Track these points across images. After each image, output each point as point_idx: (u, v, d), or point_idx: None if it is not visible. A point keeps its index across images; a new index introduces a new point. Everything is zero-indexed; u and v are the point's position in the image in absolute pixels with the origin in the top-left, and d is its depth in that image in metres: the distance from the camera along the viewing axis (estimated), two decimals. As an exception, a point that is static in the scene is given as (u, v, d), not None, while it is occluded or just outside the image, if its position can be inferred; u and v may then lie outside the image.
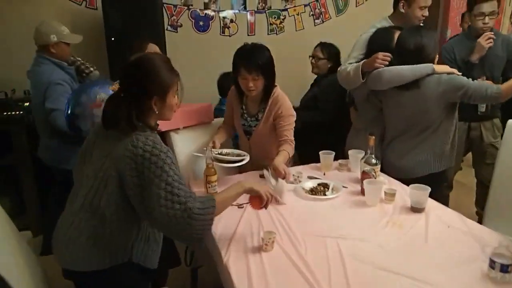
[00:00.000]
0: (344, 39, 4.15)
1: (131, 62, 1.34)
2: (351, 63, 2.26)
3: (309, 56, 3.04)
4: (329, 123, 2.69)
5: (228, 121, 2.33)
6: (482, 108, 2.53)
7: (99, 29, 3.21)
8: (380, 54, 2.09)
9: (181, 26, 3.66)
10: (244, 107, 2.24)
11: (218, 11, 3.75)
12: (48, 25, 2.45)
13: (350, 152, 2.14)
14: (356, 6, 4.20)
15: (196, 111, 2.34)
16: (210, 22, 3.74)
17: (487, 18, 2.40)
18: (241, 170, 2.18)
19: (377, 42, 2.22)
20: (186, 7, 3.63)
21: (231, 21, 3.81)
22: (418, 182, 1.75)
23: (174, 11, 3.60)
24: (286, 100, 2.15)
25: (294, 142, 2.11)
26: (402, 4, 2.28)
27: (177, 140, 2.26)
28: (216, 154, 2.03)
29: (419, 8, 2.23)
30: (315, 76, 3.04)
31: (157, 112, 1.35)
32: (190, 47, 3.69)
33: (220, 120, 2.49)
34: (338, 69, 2.32)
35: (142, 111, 1.33)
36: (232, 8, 3.79)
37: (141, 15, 3.16)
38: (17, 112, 2.92)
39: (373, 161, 1.89)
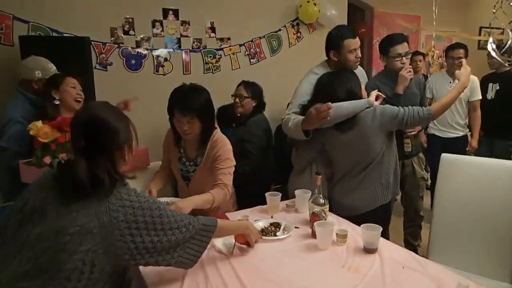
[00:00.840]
0: (280, 77, 4.30)
1: (82, 120, 1.28)
2: (295, 112, 2.22)
3: (232, 96, 2.96)
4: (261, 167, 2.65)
5: (166, 165, 2.17)
6: (408, 148, 2.70)
7: (15, 68, 2.89)
8: (317, 109, 1.96)
9: (111, 64, 3.45)
10: (182, 150, 2.11)
11: (152, 50, 3.62)
12: (35, 60, 2.51)
13: (296, 192, 2.06)
14: (289, 47, 4.33)
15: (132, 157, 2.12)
16: (143, 60, 3.59)
17: (403, 58, 2.59)
18: None
19: (325, 88, 2.17)
20: (116, 45, 3.45)
21: (166, 59, 3.69)
22: (366, 216, 1.71)
23: (103, 49, 3.40)
24: (226, 143, 2.07)
25: (229, 188, 2.00)
26: (332, 53, 2.31)
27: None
28: None
29: (349, 52, 2.27)
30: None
31: (127, 161, 1.35)
32: (121, 86, 3.48)
33: (157, 164, 2.31)
34: (282, 117, 2.27)
35: (114, 163, 1.29)
36: (166, 47, 3.68)
37: (65, 53, 2.92)
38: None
39: (321, 201, 1.83)
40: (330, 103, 1.96)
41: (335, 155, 2.20)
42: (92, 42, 3.21)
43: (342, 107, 2.04)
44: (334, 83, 2.13)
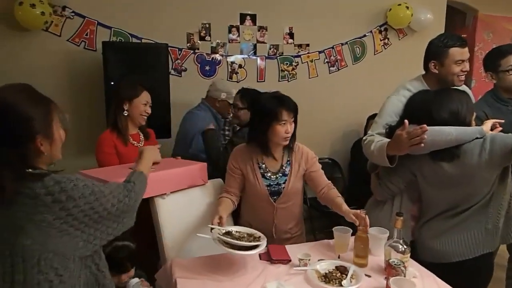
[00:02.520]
0: (362, 88, 3.94)
1: None
2: (379, 133, 1.89)
3: (230, 104, 2.81)
4: None
5: (232, 190, 1.96)
6: None
7: (98, 72, 2.99)
8: (409, 132, 1.61)
9: (185, 70, 3.42)
10: (264, 165, 1.94)
11: (226, 56, 3.52)
12: (224, 84, 2.96)
13: (371, 230, 1.74)
14: (375, 54, 3.93)
15: (187, 173, 1.98)
16: (217, 67, 3.51)
17: None
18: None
19: (421, 107, 1.79)
20: (191, 51, 3.41)
21: (240, 66, 3.57)
22: (463, 265, 1.34)
23: (179, 54, 3.38)
24: (304, 146, 2.03)
25: None
26: (432, 64, 1.92)
27: (163, 206, 1.90)
28: (223, 234, 1.62)
29: (454, 63, 1.87)
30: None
31: (46, 154, 1.11)
32: (194, 92, 3.43)
33: (217, 180, 2.15)
34: (363, 138, 1.95)
35: (28, 158, 1.08)
36: (241, 53, 3.56)
37: (144, 58, 2.96)
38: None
39: (401, 248, 1.50)
40: (426, 125, 1.59)
41: (429, 191, 1.80)
42: (169, 48, 3.19)
43: (443, 132, 1.65)
44: (435, 101, 1.73)
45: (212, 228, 1.64)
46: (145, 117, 2.25)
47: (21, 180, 1.04)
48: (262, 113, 1.86)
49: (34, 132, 1.08)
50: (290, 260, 1.68)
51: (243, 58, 3.57)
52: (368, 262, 1.66)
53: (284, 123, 1.84)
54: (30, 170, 1.07)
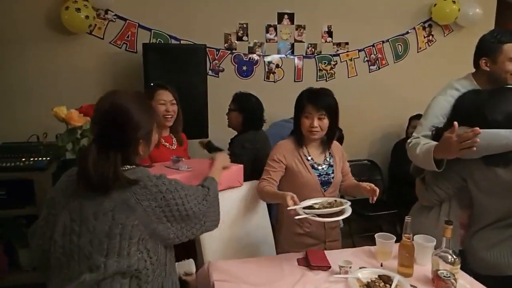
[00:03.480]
0: (404, 87, 3.79)
1: (103, 109, 1.23)
2: (425, 136, 1.78)
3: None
4: None
5: (273, 182, 1.93)
6: None
7: (138, 73, 3.05)
8: (459, 135, 1.50)
9: (223, 70, 3.43)
10: (311, 157, 1.97)
11: (263, 56, 3.49)
12: None
13: (417, 238, 1.65)
14: (418, 52, 3.77)
15: (225, 174, 1.95)
16: (254, 67, 3.49)
17: None
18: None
19: (473, 108, 1.68)
20: (229, 52, 3.41)
21: (277, 66, 3.53)
22: None
23: (217, 55, 3.39)
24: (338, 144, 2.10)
25: None
26: (484, 62, 1.80)
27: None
28: (305, 208, 1.66)
29: (508, 60, 1.74)
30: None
31: (142, 154, 1.30)
32: (231, 92, 3.43)
33: (253, 182, 2.12)
34: (408, 141, 1.85)
35: (128, 157, 1.25)
36: (278, 53, 3.52)
37: (182, 59, 2.99)
38: (44, 158, 2.75)
39: (451, 258, 1.41)
40: (478, 128, 1.48)
41: (481, 198, 1.68)
42: (207, 49, 3.21)
43: (498, 136, 1.53)
44: (489, 102, 1.62)
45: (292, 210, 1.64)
46: (169, 118, 2.12)
47: (120, 175, 1.19)
48: (295, 106, 1.97)
49: (139, 138, 1.24)
50: (330, 267, 1.62)
51: (280, 58, 3.53)
52: (414, 272, 1.58)
53: (308, 116, 1.89)
54: (127, 166, 1.24)
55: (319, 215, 1.63)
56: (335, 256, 1.69)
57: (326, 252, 1.75)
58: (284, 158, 1.95)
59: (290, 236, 1.98)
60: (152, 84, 2.37)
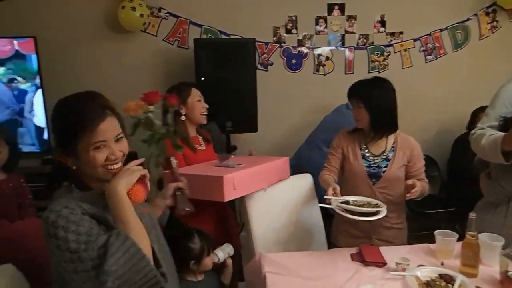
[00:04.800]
0: (465, 78, 3.55)
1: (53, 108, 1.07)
2: (491, 126, 1.65)
3: None
4: None
5: (333, 169, 1.96)
6: None
7: (190, 69, 3.12)
8: None
9: (271, 64, 3.41)
10: (365, 147, 1.94)
11: (313, 48, 3.43)
12: None
13: (482, 236, 1.54)
14: (480, 40, 3.51)
15: (274, 167, 1.95)
16: (303, 60, 3.43)
17: None
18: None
19: None
20: (278, 45, 3.39)
21: (327, 58, 3.45)
22: None
23: (265, 49, 3.38)
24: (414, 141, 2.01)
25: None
26: None
27: (252, 200, 1.90)
28: (341, 203, 1.66)
29: None
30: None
31: (74, 168, 1.04)
32: (280, 87, 3.41)
33: (305, 175, 2.10)
34: (471, 132, 1.73)
35: (61, 168, 1.06)
36: (328, 45, 3.44)
37: (232, 53, 3.02)
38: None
39: (522, 259, 1.29)
40: None
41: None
42: (256, 43, 3.20)
43: None
44: None
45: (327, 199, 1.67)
46: (205, 115, 2.04)
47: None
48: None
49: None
50: (385, 264, 1.56)
51: (330, 50, 3.45)
52: (479, 273, 1.47)
53: (353, 108, 1.95)
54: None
55: (344, 210, 1.63)
56: (391, 253, 1.62)
57: (381, 248, 1.68)
58: (341, 144, 1.98)
59: (338, 224, 1.98)
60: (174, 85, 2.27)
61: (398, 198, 1.90)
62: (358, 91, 1.92)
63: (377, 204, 1.71)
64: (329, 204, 1.65)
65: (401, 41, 3.47)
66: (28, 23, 3.07)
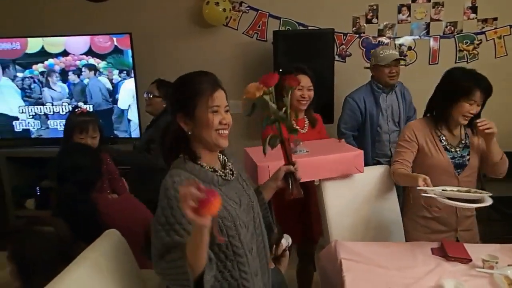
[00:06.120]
0: None
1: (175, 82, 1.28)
2: None
3: (144, 93, 2.71)
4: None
5: (406, 163, 1.87)
6: None
7: (268, 61, 3.21)
8: None
9: (350, 55, 3.36)
10: (444, 138, 1.87)
11: (394, 38, 3.31)
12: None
13: None
14: None
15: (341, 160, 1.90)
16: (384, 50, 3.32)
17: None
18: None
19: None
20: (357, 35, 3.33)
21: (409, 48, 3.31)
22: None
23: (344, 39, 3.34)
24: None
25: None
26: None
27: (329, 188, 1.93)
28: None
29: None
30: None
31: (190, 133, 1.19)
32: (358, 78, 3.34)
33: (383, 166, 2.06)
34: None
35: (181, 137, 1.20)
36: (411, 34, 3.29)
37: (310, 45, 3.04)
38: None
39: None
40: None
41: None
42: (334, 33, 3.18)
43: None
44: None
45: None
46: (303, 102, 2.12)
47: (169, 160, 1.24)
48: (452, 86, 1.78)
49: (177, 110, 1.20)
50: (470, 260, 1.50)
51: (413, 39, 3.30)
52: None
53: (472, 103, 1.74)
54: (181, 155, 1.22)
55: (449, 198, 1.55)
56: (476, 250, 1.55)
57: (466, 245, 1.61)
58: (416, 137, 1.87)
59: (416, 220, 1.91)
60: (291, 68, 2.34)
61: (476, 183, 1.86)
62: (490, 88, 1.77)
63: (475, 191, 1.63)
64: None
65: (495, 28, 3.20)
66: (125, 21, 3.38)
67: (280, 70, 3.01)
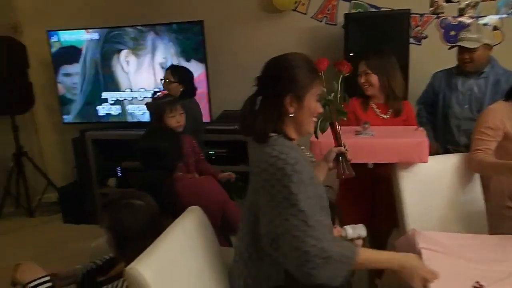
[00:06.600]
0: None
1: (268, 61, 1.28)
2: None
3: (160, 79, 2.85)
4: None
5: (490, 152, 1.77)
6: None
7: (337, 45, 3.14)
8: None
9: (425, 37, 3.18)
10: None
11: (477, 18, 3.06)
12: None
13: None
14: None
15: (399, 147, 1.80)
16: (464, 31, 3.09)
17: None
18: None
19: None
20: (434, 16, 3.12)
21: (495, 28, 3.05)
22: None
23: (420, 21, 3.15)
24: None
25: None
26: None
27: (407, 174, 1.86)
28: None
29: None
30: None
31: (292, 115, 1.22)
32: (435, 61, 3.15)
33: (463, 154, 1.93)
34: None
35: (278, 114, 1.22)
36: (497, 13, 3.02)
37: (383, 27, 2.91)
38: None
39: None
40: None
41: None
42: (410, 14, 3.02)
43: None
44: None
45: None
46: (365, 88, 2.13)
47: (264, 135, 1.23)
48: None
49: (289, 90, 1.21)
50: None
51: (499, 18, 3.03)
52: None
53: None
54: (272, 134, 1.22)
55: None
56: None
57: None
58: (503, 123, 1.74)
59: (501, 212, 1.81)
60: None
61: None
62: None
63: None
64: None
65: None
66: (197, 9, 3.49)
67: (351, 54, 2.94)
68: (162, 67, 3.42)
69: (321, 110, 1.28)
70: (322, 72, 1.39)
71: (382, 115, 2.13)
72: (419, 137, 1.84)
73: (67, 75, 3.66)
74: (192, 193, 1.91)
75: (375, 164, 1.86)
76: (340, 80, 1.52)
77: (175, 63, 3.32)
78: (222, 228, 1.92)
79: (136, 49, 3.49)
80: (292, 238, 1.06)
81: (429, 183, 1.86)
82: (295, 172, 1.10)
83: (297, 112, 1.22)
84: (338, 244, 1.11)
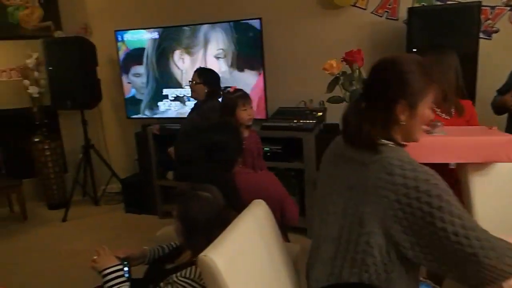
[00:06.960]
0: None
1: (377, 63, 1.19)
2: None
3: (189, 81, 2.98)
4: None
5: None
6: None
7: (399, 40, 3.04)
8: None
9: (497, 31, 2.98)
10: None
11: (558, 9, 2.82)
12: None
13: None
14: None
15: (484, 145, 1.69)
16: (544, 23, 2.87)
17: None
18: None
19: None
20: (508, 8, 2.91)
21: None
22: None
23: (491, 14, 2.96)
24: None
25: None
26: None
27: (478, 175, 1.76)
28: None
29: None
30: None
31: (403, 123, 1.14)
32: (507, 57, 2.95)
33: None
34: None
35: (386, 122, 1.15)
36: None
37: (450, 21, 2.76)
38: (310, 121, 3.16)
39: None
40: None
41: None
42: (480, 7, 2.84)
43: None
44: None
45: None
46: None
47: (373, 144, 1.16)
48: None
49: (401, 96, 1.11)
50: None
51: None
52: None
53: None
54: (384, 141, 1.15)
55: None
56: None
57: None
58: None
59: None
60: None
61: None
62: None
63: None
64: None
65: None
66: (256, 5, 3.53)
67: (414, 50, 2.83)
68: (218, 58, 3.52)
69: (433, 116, 1.19)
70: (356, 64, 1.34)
71: (443, 114, 2.05)
72: (504, 135, 1.75)
73: (137, 75, 3.88)
74: (252, 188, 1.94)
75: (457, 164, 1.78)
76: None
77: (233, 58, 3.38)
78: (280, 224, 1.94)
79: (188, 47, 3.62)
80: (457, 246, 1.00)
81: (504, 186, 1.75)
82: (436, 179, 1.05)
83: (408, 120, 1.13)
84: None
